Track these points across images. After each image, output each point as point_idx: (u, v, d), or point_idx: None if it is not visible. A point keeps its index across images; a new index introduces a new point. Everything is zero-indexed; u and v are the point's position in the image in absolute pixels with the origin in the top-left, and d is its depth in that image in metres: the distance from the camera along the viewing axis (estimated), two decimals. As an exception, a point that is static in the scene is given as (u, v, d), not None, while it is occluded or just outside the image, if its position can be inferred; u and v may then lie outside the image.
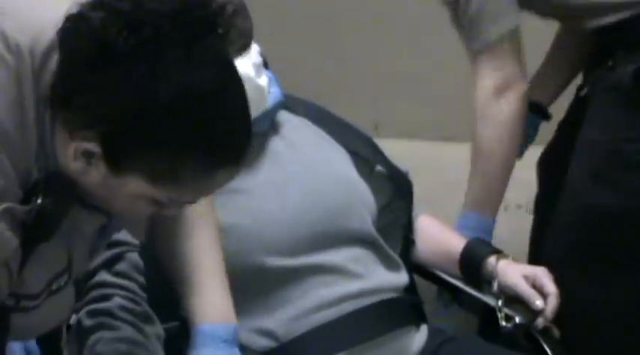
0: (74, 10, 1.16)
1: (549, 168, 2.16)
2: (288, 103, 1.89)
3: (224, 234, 1.63)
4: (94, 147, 1.15)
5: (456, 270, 1.84)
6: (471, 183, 2.01)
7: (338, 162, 1.83)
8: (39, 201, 1.19)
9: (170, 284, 1.62)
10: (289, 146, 1.80)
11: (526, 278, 1.75)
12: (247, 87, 1.65)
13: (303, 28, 2.16)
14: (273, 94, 1.78)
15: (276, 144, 1.79)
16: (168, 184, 1.19)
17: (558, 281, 1.78)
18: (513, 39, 1.98)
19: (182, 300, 1.51)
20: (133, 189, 1.19)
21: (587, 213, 1.98)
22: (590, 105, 1.99)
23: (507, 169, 2.02)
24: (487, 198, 2.02)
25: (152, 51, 1.12)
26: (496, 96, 1.97)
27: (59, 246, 1.28)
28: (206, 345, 1.46)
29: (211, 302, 1.49)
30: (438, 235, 1.90)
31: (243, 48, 1.71)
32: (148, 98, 1.13)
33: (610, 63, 1.94)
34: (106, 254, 1.61)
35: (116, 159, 1.16)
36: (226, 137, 1.18)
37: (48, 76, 1.18)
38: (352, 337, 1.67)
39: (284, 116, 1.86)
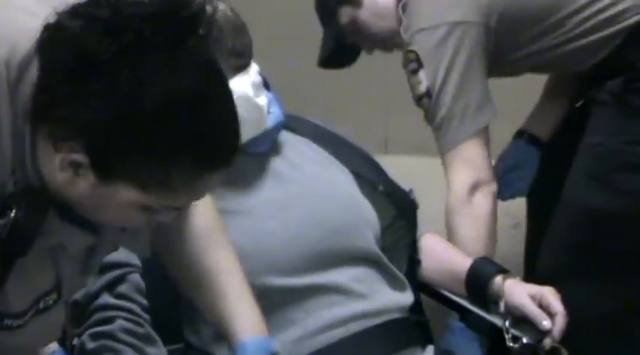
0: (52, 19, 1.14)
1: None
2: (290, 123, 1.87)
3: None
4: (81, 157, 1.13)
5: (462, 290, 1.82)
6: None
7: (341, 181, 1.82)
8: (12, 214, 1.17)
9: (174, 305, 1.63)
10: (291, 166, 1.79)
11: (533, 298, 1.73)
12: (246, 106, 1.67)
13: (312, 45, 2.15)
14: (274, 115, 1.77)
15: (277, 164, 1.78)
16: (159, 190, 1.17)
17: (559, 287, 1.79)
18: (483, 136, 2.02)
19: (210, 312, 1.48)
20: (124, 197, 1.17)
21: (586, 215, 2.02)
22: (592, 113, 2.04)
23: None
24: None
25: (135, 56, 1.11)
26: (470, 195, 2.00)
27: (44, 264, 1.26)
28: None
29: (248, 313, 1.47)
30: (443, 254, 1.89)
31: (243, 67, 1.71)
32: (133, 105, 1.11)
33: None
34: (108, 276, 1.60)
35: (104, 168, 1.14)
36: (214, 139, 1.17)
37: (26, 88, 1.15)
38: None
39: (286, 136, 1.84)
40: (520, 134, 2.25)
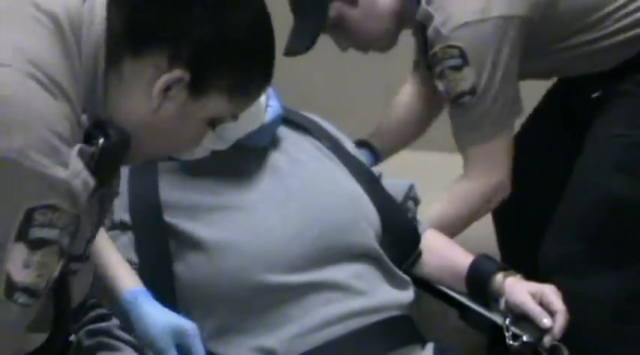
0: None
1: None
2: (290, 119, 1.86)
3: (225, 251, 1.63)
4: (181, 73, 1.22)
5: (462, 287, 1.81)
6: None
7: (341, 177, 1.80)
8: (101, 140, 1.21)
9: (172, 300, 1.63)
10: (291, 161, 1.77)
11: (533, 295, 1.71)
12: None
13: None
14: (273, 108, 1.76)
15: (277, 159, 1.77)
16: (240, 97, 1.30)
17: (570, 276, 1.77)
18: (511, 135, 2.02)
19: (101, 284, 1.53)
20: (211, 109, 1.28)
21: (608, 203, 2.02)
22: (609, 105, 2.03)
23: None
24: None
25: None
26: (482, 200, 2.02)
27: (93, 206, 1.27)
28: (146, 303, 1.51)
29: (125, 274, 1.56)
30: (443, 250, 1.87)
31: None
32: (232, 22, 1.25)
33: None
34: None
35: (201, 80, 1.24)
36: (272, 52, 1.32)
37: (96, 25, 1.22)
38: None
39: (286, 131, 1.83)
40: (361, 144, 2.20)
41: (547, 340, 1.67)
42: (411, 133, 2.31)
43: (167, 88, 1.23)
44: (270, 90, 1.76)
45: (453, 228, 2.00)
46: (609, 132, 2.03)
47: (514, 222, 2.28)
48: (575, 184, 2.08)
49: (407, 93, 2.31)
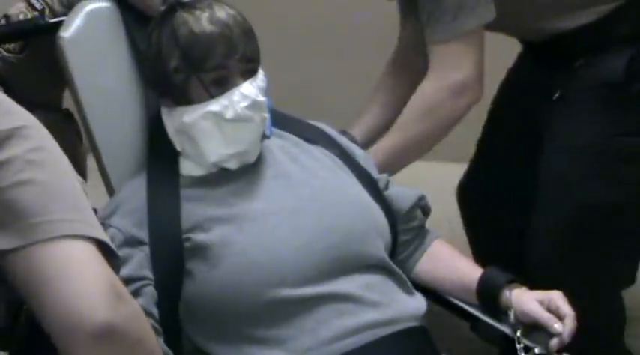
0: None
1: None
2: (301, 129, 1.85)
3: (236, 266, 1.61)
4: None
5: (471, 298, 1.78)
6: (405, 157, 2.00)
7: (351, 186, 1.77)
8: None
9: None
10: (302, 170, 1.75)
11: (541, 302, 1.69)
12: (255, 110, 1.64)
13: (324, 52, 2.13)
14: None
15: (288, 168, 1.75)
16: None
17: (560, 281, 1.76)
18: (480, 36, 1.97)
19: None
20: None
21: (591, 210, 1.98)
22: (567, 106, 2.00)
23: None
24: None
25: None
26: (451, 95, 1.96)
27: None
28: None
29: None
30: (452, 262, 1.84)
31: (252, 72, 1.68)
32: None
33: (579, 62, 1.97)
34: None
35: None
36: None
37: None
38: None
39: (296, 140, 1.82)
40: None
41: (554, 342, 1.65)
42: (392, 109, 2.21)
43: None
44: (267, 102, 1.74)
45: (418, 140, 1.99)
46: (575, 139, 2.00)
47: (481, 219, 2.28)
48: (548, 193, 2.06)
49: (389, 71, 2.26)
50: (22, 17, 1.84)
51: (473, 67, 1.98)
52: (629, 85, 1.95)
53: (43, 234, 1.13)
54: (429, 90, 1.99)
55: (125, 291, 1.17)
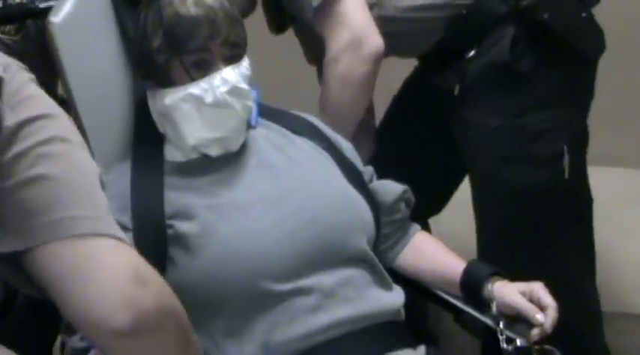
0: None
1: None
2: (286, 118, 1.84)
3: (216, 256, 1.58)
4: None
5: (453, 290, 1.76)
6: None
7: (336, 178, 1.75)
8: None
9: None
10: (287, 160, 1.72)
11: (523, 294, 1.67)
12: (236, 97, 1.62)
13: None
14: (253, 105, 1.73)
15: (273, 158, 1.72)
16: None
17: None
18: None
19: None
20: None
21: (509, 194, 1.99)
22: (468, 97, 1.99)
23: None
24: None
25: None
26: (352, 53, 1.90)
27: None
28: None
29: None
30: (434, 255, 1.82)
31: (235, 58, 1.66)
32: None
33: (469, 55, 1.96)
34: None
35: None
36: None
37: None
38: None
39: (282, 131, 1.79)
40: None
41: (535, 332, 1.63)
42: None
43: None
44: (255, 93, 1.73)
45: (343, 112, 1.95)
46: (485, 125, 1.99)
47: None
48: (474, 182, 2.07)
49: None
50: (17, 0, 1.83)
51: (360, 19, 1.93)
52: (518, 63, 1.94)
53: (59, 232, 1.10)
54: (330, 60, 1.94)
55: (148, 270, 1.15)
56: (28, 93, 1.16)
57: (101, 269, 1.11)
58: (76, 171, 1.15)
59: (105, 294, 1.10)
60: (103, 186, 1.19)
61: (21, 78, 1.17)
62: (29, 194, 1.10)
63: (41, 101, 1.17)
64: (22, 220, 1.10)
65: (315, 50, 2.17)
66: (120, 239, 1.15)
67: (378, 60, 1.92)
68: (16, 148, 1.11)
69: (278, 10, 2.12)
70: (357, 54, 1.91)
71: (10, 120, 1.11)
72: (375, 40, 1.92)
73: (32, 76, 1.20)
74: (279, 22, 2.16)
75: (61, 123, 1.17)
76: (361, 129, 2.06)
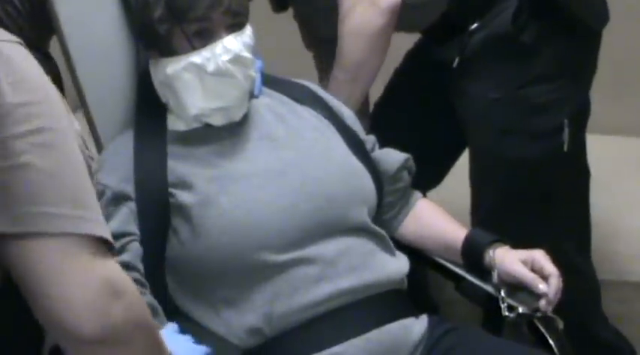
0: None
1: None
2: (288, 87, 1.82)
3: (217, 227, 1.57)
4: None
5: (454, 257, 1.75)
6: (351, 90, 1.94)
7: (338, 148, 1.73)
8: None
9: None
10: (288, 131, 1.70)
11: (524, 263, 1.66)
12: (238, 66, 1.60)
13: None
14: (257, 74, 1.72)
15: (274, 129, 1.70)
16: None
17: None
18: None
19: None
20: None
21: (507, 166, 1.98)
22: (468, 69, 1.97)
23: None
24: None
25: None
26: (367, 5, 1.88)
27: None
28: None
29: None
30: (436, 222, 1.81)
31: (237, 26, 1.64)
32: None
33: (472, 28, 1.94)
34: None
35: None
36: None
37: None
38: (343, 332, 1.56)
39: (284, 100, 1.77)
40: None
41: (542, 303, 1.62)
42: None
43: None
44: (259, 64, 1.71)
45: (361, 66, 1.93)
46: (485, 96, 1.97)
47: None
48: (473, 153, 2.06)
49: None
50: None
51: None
52: (520, 35, 1.92)
53: (35, 226, 1.06)
54: (345, 12, 1.91)
55: (123, 280, 1.11)
56: (30, 76, 1.12)
57: (73, 272, 1.07)
58: (66, 165, 1.10)
59: (73, 300, 1.06)
60: (92, 177, 1.15)
61: (23, 57, 1.14)
62: (15, 179, 1.06)
63: (41, 85, 1.13)
64: (4, 204, 1.06)
65: (314, 32, 2.16)
66: (104, 240, 1.10)
67: (394, 12, 1.90)
68: (11, 130, 1.07)
69: None
70: (373, 6, 1.88)
71: (10, 98, 1.08)
72: None
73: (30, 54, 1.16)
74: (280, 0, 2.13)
75: (56, 110, 1.12)
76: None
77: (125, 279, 1.12)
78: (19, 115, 1.07)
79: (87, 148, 1.19)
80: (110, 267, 1.11)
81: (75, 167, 1.11)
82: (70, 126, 1.13)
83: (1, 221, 1.06)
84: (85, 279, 1.07)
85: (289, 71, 1.92)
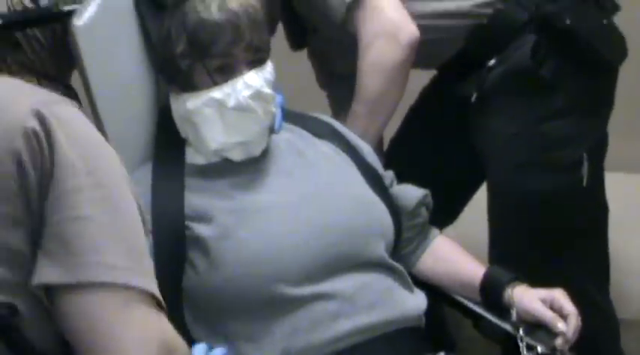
0: None
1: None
2: (307, 121, 1.82)
3: (236, 259, 1.56)
4: None
5: (472, 295, 1.74)
6: (369, 123, 1.94)
7: (356, 182, 1.73)
8: None
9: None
10: (306, 164, 1.70)
11: (544, 301, 1.65)
12: (259, 101, 1.60)
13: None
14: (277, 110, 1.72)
15: (292, 162, 1.70)
16: None
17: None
18: None
19: None
20: None
21: (527, 201, 1.96)
22: (487, 103, 1.97)
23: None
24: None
25: None
26: (387, 40, 1.90)
27: None
28: None
29: None
30: (454, 258, 1.80)
31: (258, 62, 1.64)
32: None
33: (491, 63, 1.95)
34: None
35: None
36: None
37: None
38: None
39: (302, 133, 1.77)
40: None
41: (559, 342, 1.61)
42: None
43: None
44: (279, 99, 1.71)
45: (379, 101, 1.94)
46: (504, 131, 1.98)
47: None
48: (490, 186, 2.04)
49: None
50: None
51: (394, 10, 1.92)
52: (539, 69, 1.92)
53: (92, 277, 1.04)
54: (364, 46, 1.92)
55: (175, 339, 1.11)
56: (86, 134, 1.12)
57: (131, 326, 1.06)
58: (122, 221, 1.10)
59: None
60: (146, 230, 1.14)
61: (79, 117, 1.14)
62: (72, 231, 1.05)
63: (97, 142, 1.13)
64: (61, 253, 1.05)
65: (329, 68, 2.16)
66: (152, 295, 1.09)
67: (413, 47, 1.91)
68: (71, 183, 1.06)
69: (297, 25, 2.11)
70: (392, 41, 1.89)
71: (71, 155, 1.07)
72: (410, 28, 1.91)
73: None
74: (298, 37, 2.15)
75: (113, 164, 1.13)
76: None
77: (177, 337, 1.12)
78: (78, 170, 1.07)
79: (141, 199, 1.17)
80: (164, 324, 1.10)
81: (132, 220, 1.11)
82: (125, 178, 1.13)
83: (57, 272, 1.05)
84: (142, 334, 1.06)
85: (308, 106, 1.92)
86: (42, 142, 1.06)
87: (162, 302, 1.11)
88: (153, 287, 1.09)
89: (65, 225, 1.05)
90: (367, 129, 1.94)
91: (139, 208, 1.14)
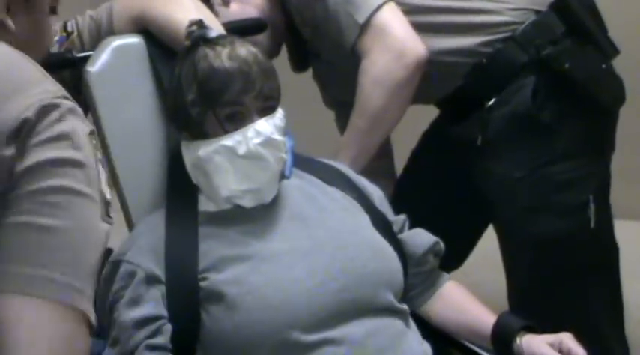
0: None
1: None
2: (318, 167, 1.81)
3: (247, 306, 1.55)
4: None
5: (481, 341, 1.71)
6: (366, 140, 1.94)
7: (366, 228, 1.71)
8: None
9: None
10: (318, 210, 1.69)
11: (552, 345, 1.62)
12: (270, 149, 1.59)
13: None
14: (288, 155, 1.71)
15: (304, 208, 1.69)
16: None
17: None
18: (389, 8, 1.93)
19: None
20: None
21: (535, 244, 1.96)
22: (492, 147, 1.96)
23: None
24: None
25: None
26: (393, 58, 1.90)
27: None
28: None
29: None
30: (463, 304, 1.78)
31: (269, 110, 1.63)
32: None
33: (490, 104, 1.94)
34: (146, 330, 1.53)
35: None
36: None
37: None
38: None
39: (313, 180, 1.76)
40: None
41: None
42: None
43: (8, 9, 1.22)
44: (289, 144, 1.70)
45: (379, 117, 1.93)
46: (509, 175, 1.97)
47: None
48: (500, 233, 2.04)
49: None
50: (56, 38, 1.83)
51: (401, 30, 1.92)
52: (540, 112, 1.92)
53: (13, 285, 1.03)
54: (368, 63, 1.92)
55: None
56: (64, 131, 1.10)
57: (38, 340, 1.04)
58: (76, 230, 1.08)
59: None
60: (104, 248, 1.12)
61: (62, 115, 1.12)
62: (17, 237, 1.04)
63: (74, 144, 1.10)
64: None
65: (334, 91, 2.16)
66: (82, 312, 1.07)
67: (419, 67, 1.90)
68: (28, 187, 1.05)
69: (300, 49, 2.12)
70: (399, 59, 1.90)
71: (31, 160, 1.06)
72: (418, 48, 1.91)
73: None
74: (301, 61, 2.16)
75: (85, 173, 1.11)
76: (382, 174, 2.04)
77: None
78: (42, 172, 1.07)
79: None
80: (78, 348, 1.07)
81: (85, 233, 1.09)
82: (99, 191, 1.12)
83: None
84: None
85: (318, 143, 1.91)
86: None
87: (93, 325, 1.09)
88: (87, 306, 1.08)
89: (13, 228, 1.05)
90: (363, 145, 1.95)
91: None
